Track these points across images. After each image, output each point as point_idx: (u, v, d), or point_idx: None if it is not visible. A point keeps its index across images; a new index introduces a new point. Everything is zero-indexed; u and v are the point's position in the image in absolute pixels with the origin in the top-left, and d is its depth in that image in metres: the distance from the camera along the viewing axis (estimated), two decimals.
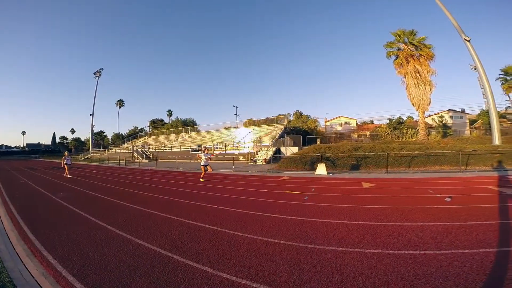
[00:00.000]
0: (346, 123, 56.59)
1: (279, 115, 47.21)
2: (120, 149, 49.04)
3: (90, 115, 58.70)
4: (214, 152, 27.24)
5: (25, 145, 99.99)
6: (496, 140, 18.07)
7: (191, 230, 4.63)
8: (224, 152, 31.40)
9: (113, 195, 8.88)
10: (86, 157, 51.27)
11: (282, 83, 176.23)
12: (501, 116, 36.88)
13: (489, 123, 20.29)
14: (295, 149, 26.33)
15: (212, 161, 31.71)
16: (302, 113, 57.44)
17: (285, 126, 39.05)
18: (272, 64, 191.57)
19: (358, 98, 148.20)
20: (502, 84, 29.89)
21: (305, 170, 16.06)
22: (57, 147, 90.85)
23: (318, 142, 34.77)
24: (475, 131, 37.51)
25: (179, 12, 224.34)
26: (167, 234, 4.44)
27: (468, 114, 49.13)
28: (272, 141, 30.57)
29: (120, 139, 67.01)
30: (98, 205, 7.31)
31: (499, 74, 29.96)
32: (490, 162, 13.91)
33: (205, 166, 11.64)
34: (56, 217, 5.95)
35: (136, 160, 36.56)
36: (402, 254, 3.32)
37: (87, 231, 4.79)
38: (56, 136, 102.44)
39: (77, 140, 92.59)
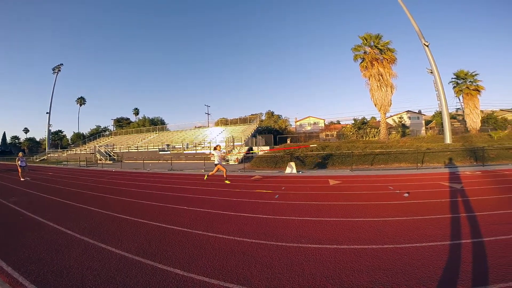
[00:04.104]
0: (315, 123, 58.48)
1: (252, 114, 47.36)
2: (80, 149, 46.06)
3: (47, 113, 54.65)
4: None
5: None
6: (448, 139, 19.82)
7: (159, 232, 4.48)
8: (195, 151, 30.81)
9: (73, 198, 8.27)
10: (42, 158, 47.39)
11: (254, 83, 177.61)
12: (452, 117, 40.47)
13: (442, 124, 22.14)
14: (266, 148, 26.65)
15: (181, 161, 30.93)
16: (273, 113, 58.42)
17: (257, 126, 39.30)
18: (244, 63, 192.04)
19: (327, 99, 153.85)
20: (454, 87, 32.68)
21: (276, 169, 16.30)
22: (8, 148, 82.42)
23: (288, 141, 35.48)
24: (430, 131, 40.79)
25: (146, 9, 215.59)
26: (134, 237, 4.25)
27: (424, 115, 53.33)
28: (244, 140, 30.62)
29: (80, 139, 62.72)
30: (57, 209, 6.77)
31: (452, 78, 32.66)
32: (443, 159, 15.26)
33: (221, 164, 11.01)
34: (9, 223, 5.42)
35: (98, 161, 34.58)
36: (366, 249, 3.50)
37: (44, 236, 4.42)
38: (6, 136, 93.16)
39: (31, 140, 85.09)
